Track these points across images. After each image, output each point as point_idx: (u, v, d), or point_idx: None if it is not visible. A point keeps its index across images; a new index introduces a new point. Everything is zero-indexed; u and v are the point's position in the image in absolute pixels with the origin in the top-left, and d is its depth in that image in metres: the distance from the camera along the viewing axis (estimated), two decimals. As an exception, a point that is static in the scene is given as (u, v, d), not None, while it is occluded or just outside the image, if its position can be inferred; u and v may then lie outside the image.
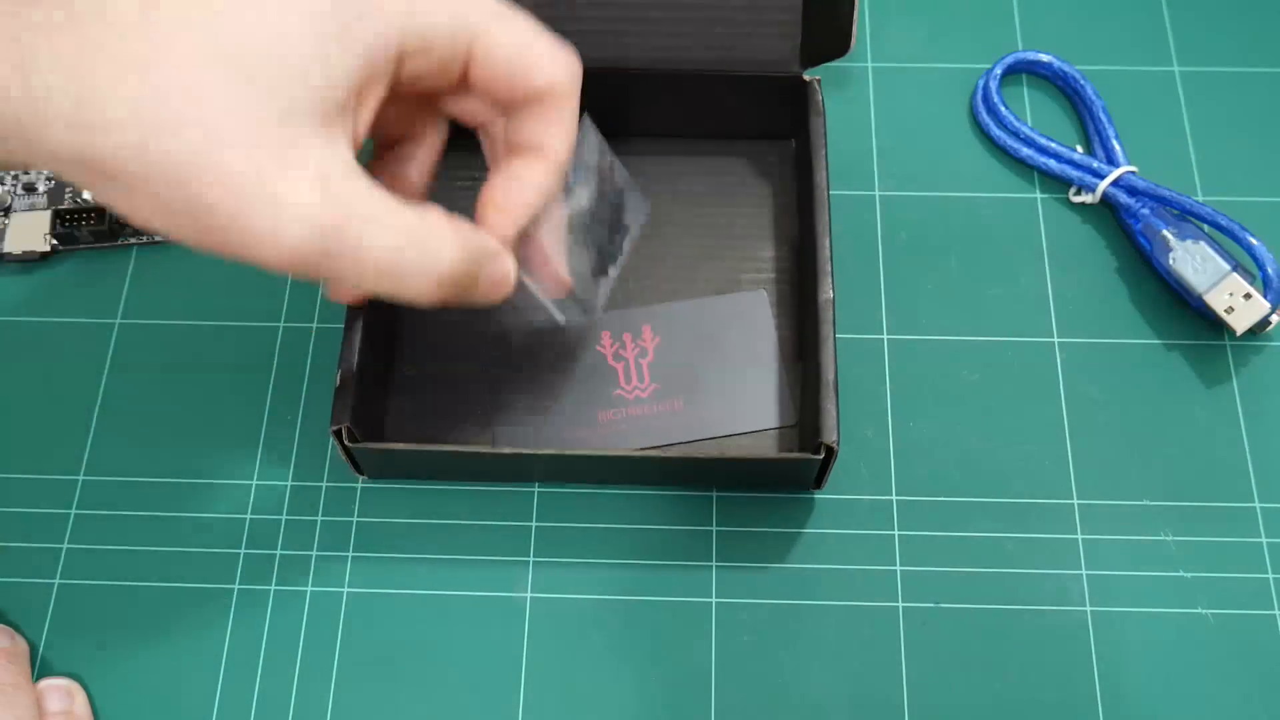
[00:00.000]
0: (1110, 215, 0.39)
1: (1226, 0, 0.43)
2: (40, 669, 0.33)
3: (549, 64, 0.27)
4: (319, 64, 0.23)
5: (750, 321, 0.37)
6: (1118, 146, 0.39)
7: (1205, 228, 0.37)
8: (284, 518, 0.35)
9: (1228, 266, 0.35)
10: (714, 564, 0.34)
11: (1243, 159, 0.40)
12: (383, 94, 0.25)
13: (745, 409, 0.36)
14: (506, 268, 0.28)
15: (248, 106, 0.22)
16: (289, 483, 0.35)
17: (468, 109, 0.29)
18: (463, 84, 0.28)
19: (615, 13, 0.36)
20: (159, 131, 0.21)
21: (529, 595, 0.34)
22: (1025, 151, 0.39)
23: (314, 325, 0.38)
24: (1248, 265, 0.36)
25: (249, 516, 0.35)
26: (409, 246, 0.25)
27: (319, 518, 0.35)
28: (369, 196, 0.24)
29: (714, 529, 0.35)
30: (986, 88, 0.40)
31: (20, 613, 0.34)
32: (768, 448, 0.35)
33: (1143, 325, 0.37)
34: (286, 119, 0.22)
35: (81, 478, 0.35)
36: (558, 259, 0.31)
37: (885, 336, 0.37)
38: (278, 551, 0.34)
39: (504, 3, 0.27)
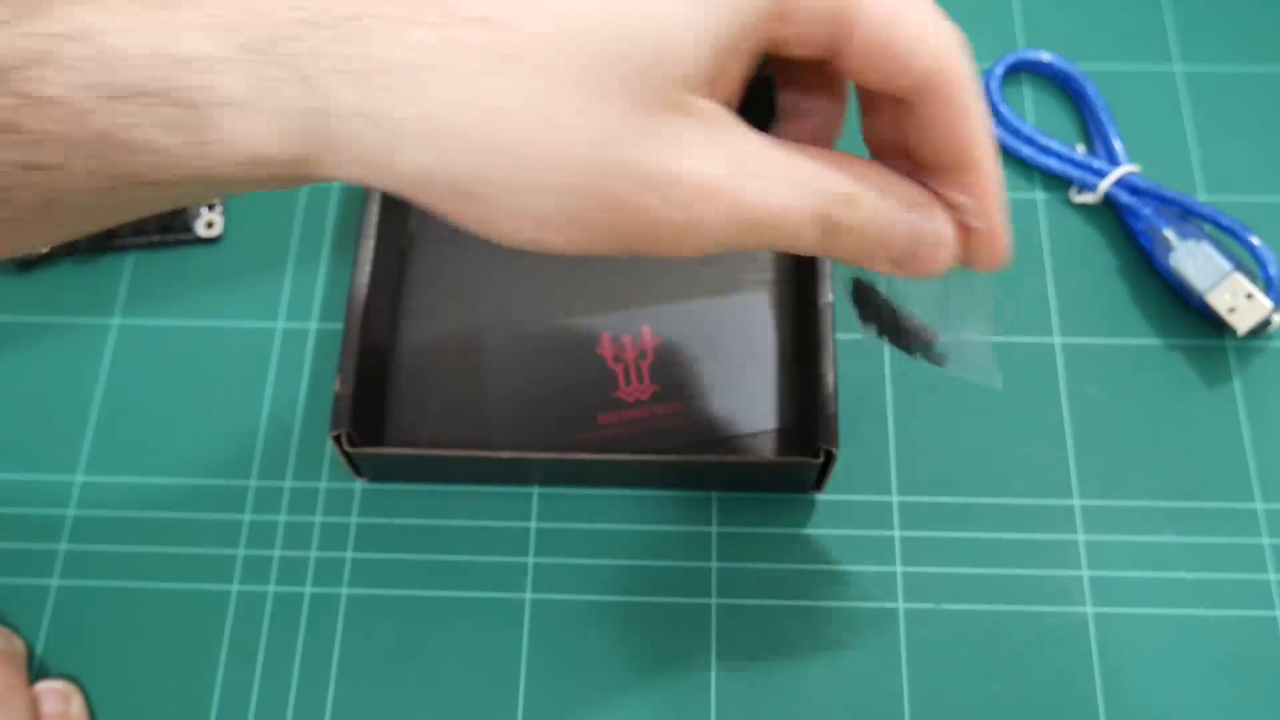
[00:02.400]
0: (1111, 215, 0.39)
1: (1226, 1, 0.43)
2: (38, 670, 0.33)
3: (923, 45, 0.21)
4: (692, 31, 0.19)
5: (750, 324, 0.37)
6: (1119, 146, 0.39)
7: (1207, 227, 0.37)
8: (282, 519, 0.35)
9: (1229, 266, 0.35)
10: (714, 564, 0.34)
11: (1244, 158, 0.40)
12: (752, 52, 0.21)
13: (745, 411, 0.36)
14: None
15: (633, 92, 0.19)
16: (288, 484, 0.35)
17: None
18: (826, 66, 0.22)
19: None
20: (539, 139, 0.19)
21: (529, 596, 0.34)
22: (1026, 151, 0.39)
23: (312, 326, 0.38)
24: (1249, 265, 0.36)
25: (248, 517, 0.35)
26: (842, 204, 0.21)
27: (318, 519, 0.35)
28: (785, 161, 0.21)
29: (714, 529, 0.35)
30: (987, 87, 0.40)
31: (18, 614, 0.34)
32: (767, 451, 0.35)
33: (1144, 325, 0.37)
34: (674, 98, 0.20)
35: (80, 479, 0.35)
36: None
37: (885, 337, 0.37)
38: (276, 553, 0.34)
39: None
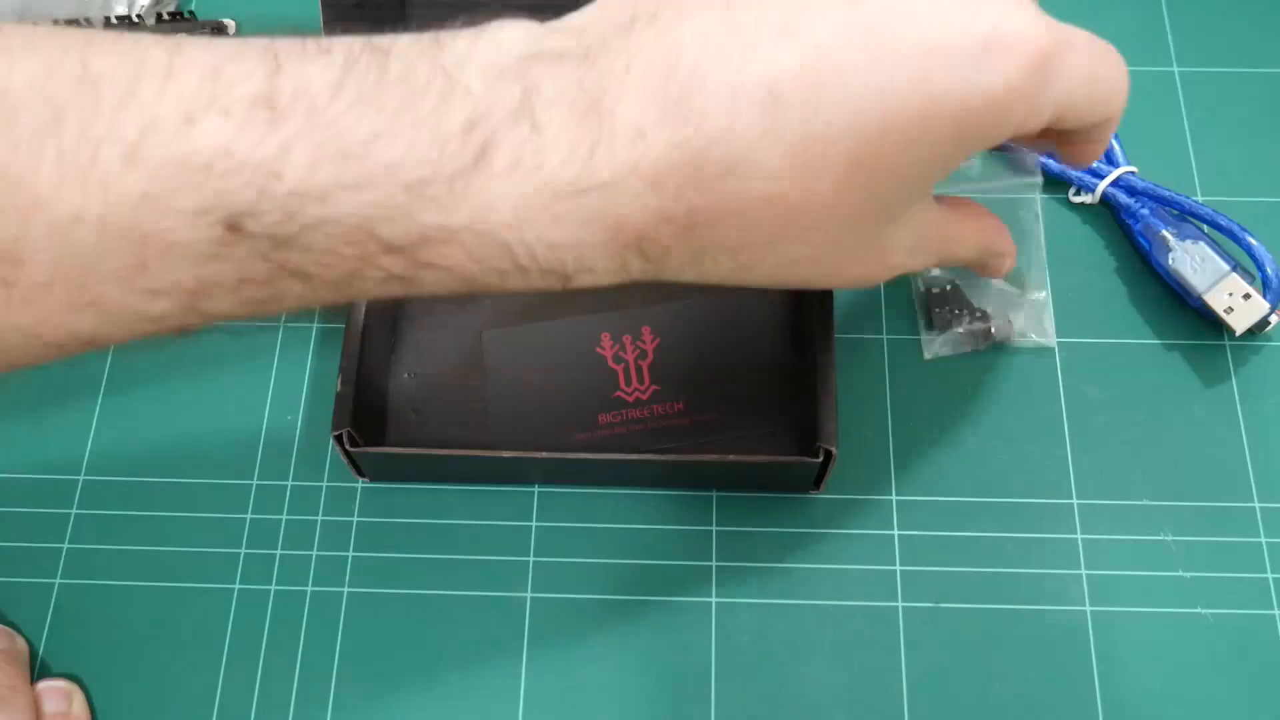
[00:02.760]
0: (1109, 215, 0.39)
1: (1225, 1, 0.43)
2: (40, 669, 0.33)
3: (1116, 94, 0.27)
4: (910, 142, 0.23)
5: (751, 324, 0.37)
6: (1117, 146, 0.39)
7: (1204, 228, 0.37)
8: (284, 518, 0.35)
9: (1227, 267, 0.35)
10: (714, 563, 0.34)
11: (1242, 159, 0.40)
12: None
13: (745, 411, 0.36)
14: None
15: (852, 198, 0.23)
16: (289, 482, 0.35)
17: None
18: None
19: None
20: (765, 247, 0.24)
21: (529, 595, 0.34)
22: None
23: (314, 325, 0.38)
24: (1247, 265, 0.36)
25: (249, 516, 0.35)
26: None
27: (319, 517, 0.35)
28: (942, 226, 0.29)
29: (714, 529, 0.35)
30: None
31: (20, 613, 0.34)
32: (767, 450, 0.35)
33: (1142, 325, 0.37)
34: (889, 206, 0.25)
35: (82, 478, 0.36)
36: None
37: (885, 337, 0.37)
38: (278, 551, 0.34)
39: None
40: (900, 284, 0.38)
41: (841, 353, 0.36)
